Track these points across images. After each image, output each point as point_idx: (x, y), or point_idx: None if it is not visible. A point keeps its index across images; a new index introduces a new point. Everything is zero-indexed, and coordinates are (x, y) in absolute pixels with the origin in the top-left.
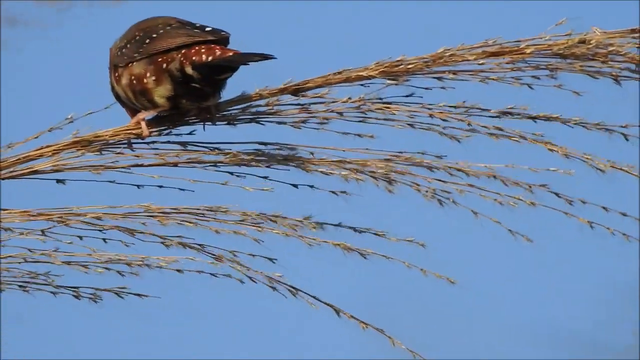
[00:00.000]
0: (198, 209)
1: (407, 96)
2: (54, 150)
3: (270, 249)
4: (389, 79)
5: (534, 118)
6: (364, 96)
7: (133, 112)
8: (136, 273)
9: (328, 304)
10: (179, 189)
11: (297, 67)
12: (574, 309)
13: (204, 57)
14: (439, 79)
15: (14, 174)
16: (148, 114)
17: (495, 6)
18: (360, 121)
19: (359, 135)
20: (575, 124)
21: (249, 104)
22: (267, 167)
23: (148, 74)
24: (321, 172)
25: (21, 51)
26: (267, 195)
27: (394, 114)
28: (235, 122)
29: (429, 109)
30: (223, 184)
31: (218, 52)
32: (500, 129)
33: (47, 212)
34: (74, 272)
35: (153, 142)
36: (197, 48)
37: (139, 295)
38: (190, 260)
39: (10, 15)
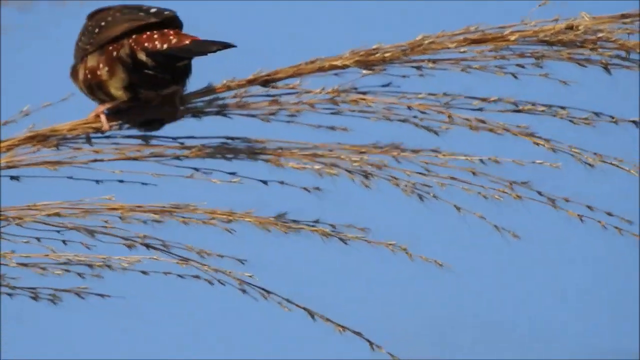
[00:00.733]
0: (164, 207)
1: (383, 86)
2: (8, 145)
3: (241, 248)
4: (364, 69)
5: (519, 111)
6: (338, 87)
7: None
8: (98, 275)
9: (302, 307)
10: (142, 183)
11: (267, 56)
12: (561, 308)
13: (157, 44)
14: (417, 68)
15: None
16: (108, 107)
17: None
18: (333, 113)
19: (331, 128)
20: (562, 117)
21: (215, 95)
22: (234, 160)
23: (101, 65)
24: (292, 166)
25: None
26: (237, 191)
27: (370, 106)
28: (201, 115)
29: (408, 99)
30: (188, 177)
31: (173, 40)
32: (483, 121)
33: (1, 210)
34: (31, 274)
35: (113, 136)
36: (148, 34)
37: (101, 295)
38: (155, 261)
39: None
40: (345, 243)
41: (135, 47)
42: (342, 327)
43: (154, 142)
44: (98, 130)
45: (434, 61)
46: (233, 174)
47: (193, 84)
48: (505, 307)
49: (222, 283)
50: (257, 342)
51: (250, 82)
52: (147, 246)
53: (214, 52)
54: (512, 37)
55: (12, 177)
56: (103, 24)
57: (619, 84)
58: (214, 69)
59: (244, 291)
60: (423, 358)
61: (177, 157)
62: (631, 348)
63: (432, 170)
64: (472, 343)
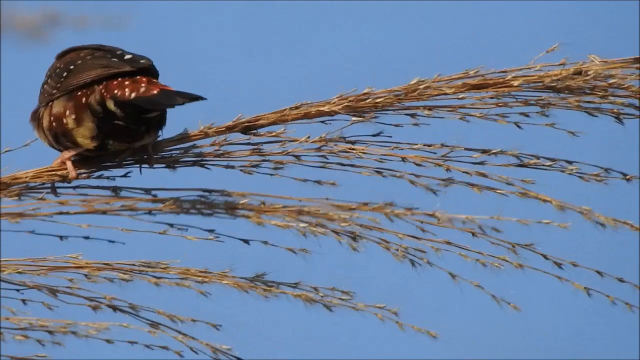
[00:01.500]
0: (133, 265)
1: (375, 135)
2: None
3: (216, 312)
4: (354, 116)
5: (523, 165)
6: (325, 135)
7: None
8: (59, 343)
9: None
10: (109, 241)
11: (249, 101)
12: None
13: (127, 93)
14: (412, 115)
15: None
16: (74, 153)
17: (477, 30)
18: (321, 167)
19: (318, 182)
20: (570, 173)
21: (192, 143)
22: (212, 216)
23: (67, 112)
24: (275, 224)
25: None
26: (213, 248)
27: (361, 157)
28: (176, 165)
29: (401, 150)
30: (162, 233)
31: (142, 89)
32: (484, 175)
33: None
34: None
35: (81, 186)
36: (120, 80)
37: None
38: (123, 328)
39: None
40: (330, 310)
41: (105, 94)
42: None
43: (124, 193)
44: (64, 178)
45: (430, 108)
46: (211, 231)
47: (167, 130)
48: None
49: (194, 351)
50: None
51: (230, 129)
52: (114, 308)
53: (181, 104)
54: (516, 83)
55: None
56: (72, 67)
57: (632, 134)
58: (190, 113)
59: None
60: None
61: (150, 211)
62: None
63: (428, 230)
64: None
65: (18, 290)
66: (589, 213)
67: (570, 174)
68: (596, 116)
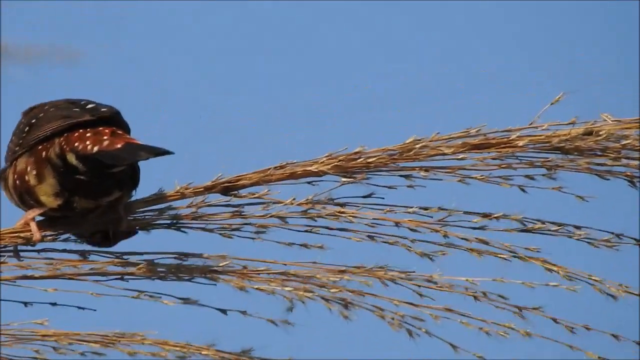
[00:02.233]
0: (106, 335)
1: (365, 197)
2: None
3: None
4: (344, 176)
5: (527, 230)
6: (312, 197)
7: None
8: None
9: None
10: (78, 307)
11: (229, 159)
12: None
13: (88, 146)
14: (406, 177)
15: None
16: (38, 213)
17: (479, 86)
18: (307, 231)
19: (305, 245)
20: (579, 238)
21: (167, 204)
22: (190, 281)
23: (29, 168)
24: (259, 289)
25: None
26: (195, 316)
27: (351, 221)
28: (150, 228)
29: (395, 214)
30: (134, 298)
31: (105, 142)
32: (485, 242)
33: None
34: None
35: (46, 248)
36: (81, 132)
37: None
38: None
39: None
40: None
41: (65, 147)
42: None
43: (93, 257)
44: (28, 241)
45: (427, 169)
46: (185, 299)
47: (141, 190)
48: None
49: None
50: None
51: (209, 190)
52: None
53: (145, 159)
54: (520, 143)
55: None
56: (34, 121)
57: None
58: (166, 170)
59: None
60: None
61: (122, 276)
62: None
63: (426, 296)
64: None
65: None
66: (599, 282)
67: (578, 239)
68: (607, 179)
